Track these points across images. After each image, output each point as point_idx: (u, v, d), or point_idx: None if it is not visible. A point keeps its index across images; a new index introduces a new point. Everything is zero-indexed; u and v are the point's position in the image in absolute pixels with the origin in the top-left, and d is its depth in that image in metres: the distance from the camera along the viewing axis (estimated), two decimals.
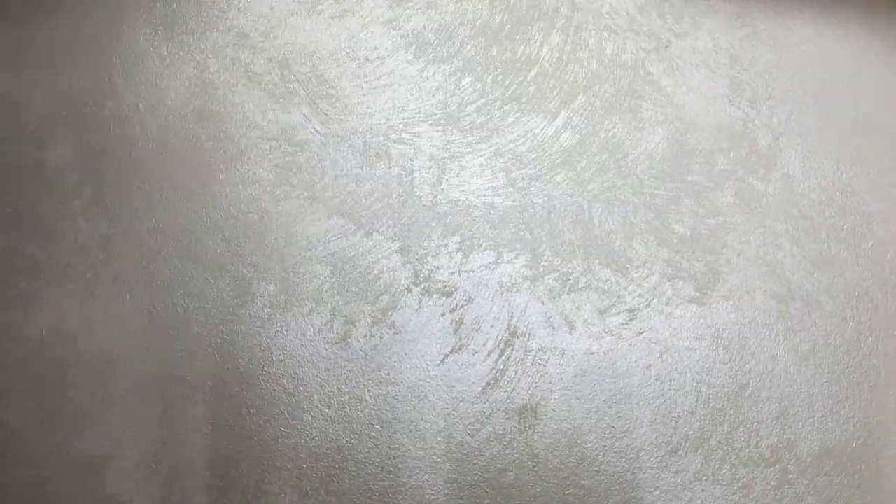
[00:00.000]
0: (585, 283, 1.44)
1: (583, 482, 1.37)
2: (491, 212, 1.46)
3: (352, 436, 1.38)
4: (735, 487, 1.40)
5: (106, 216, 1.42)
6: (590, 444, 1.39)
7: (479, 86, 1.50)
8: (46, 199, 1.42)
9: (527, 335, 1.42)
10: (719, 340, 1.44)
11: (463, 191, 1.47)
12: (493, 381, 1.41)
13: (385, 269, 1.44)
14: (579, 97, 1.49)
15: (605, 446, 1.39)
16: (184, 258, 1.41)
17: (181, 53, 1.48)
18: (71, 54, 1.47)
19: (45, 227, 1.41)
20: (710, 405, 1.42)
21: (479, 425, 1.39)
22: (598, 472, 1.39)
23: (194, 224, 1.42)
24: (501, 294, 1.43)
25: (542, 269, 1.44)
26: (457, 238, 1.45)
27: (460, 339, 1.42)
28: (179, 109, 1.46)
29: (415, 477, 1.37)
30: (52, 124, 1.45)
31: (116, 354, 1.38)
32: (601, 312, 1.43)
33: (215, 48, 1.48)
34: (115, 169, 1.43)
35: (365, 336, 1.42)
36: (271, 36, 1.50)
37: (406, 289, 1.43)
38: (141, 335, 1.38)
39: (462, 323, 1.43)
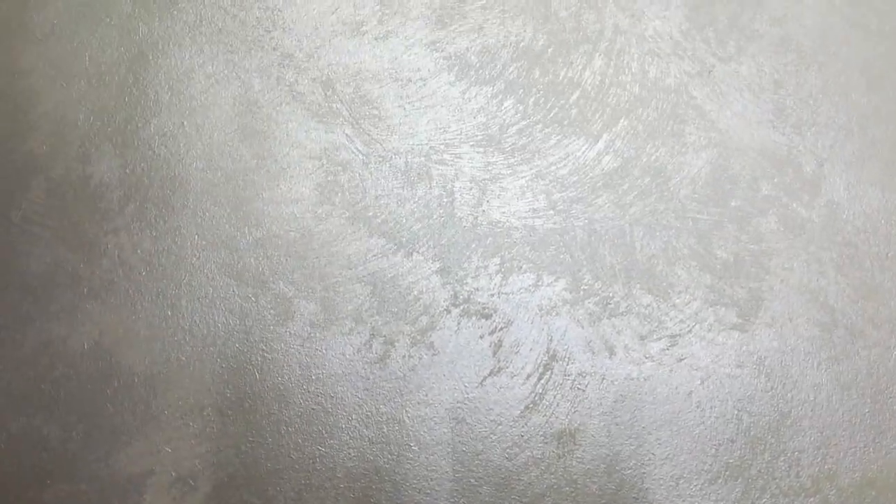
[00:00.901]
0: (626, 307, 1.43)
1: None
2: (531, 234, 1.45)
3: (389, 457, 1.37)
4: None
5: (149, 232, 1.43)
6: (629, 471, 1.38)
7: (520, 108, 1.50)
8: (90, 214, 1.44)
9: (566, 359, 1.41)
10: (761, 368, 1.42)
11: (503, 213, 1.46)
12: (531, 405, 1.40)
13: (425, 289, 1.44)
14: (622, 120, 1.49)
15: (644, 473, 1.38)
16: (226, 275, 1.42)
17: (226, 72, 1.49)
18: (117, 71, 1.49)
19: (88, 243, 1.43)
20: (751, 433, 1.40)
21: (517, 449, 1.38)
22: (637, 499, 1.37)
23: (237, 242, 1.43)
24: (541, 317, 1.43)
25: (582, 292, 1.43)
26: (497, 260, 1.45)
27: (499, 362, 1.42)
28: (224, 127, 1.47)
29: (452, 500, 1.36)
30: (97, 140, 1.46)
31: (157, 370, 1.39)
32: (642, 338, 1.42)
33: (260, 67, 1.50)
34: (159, 186, 1.45)
35: (403, 356, 1.41)
36: (315, 56, 1.51)
37: (445, 310, 1.43)
38: (182, 351, 1.39)
39: (501, 345, 1.42)
